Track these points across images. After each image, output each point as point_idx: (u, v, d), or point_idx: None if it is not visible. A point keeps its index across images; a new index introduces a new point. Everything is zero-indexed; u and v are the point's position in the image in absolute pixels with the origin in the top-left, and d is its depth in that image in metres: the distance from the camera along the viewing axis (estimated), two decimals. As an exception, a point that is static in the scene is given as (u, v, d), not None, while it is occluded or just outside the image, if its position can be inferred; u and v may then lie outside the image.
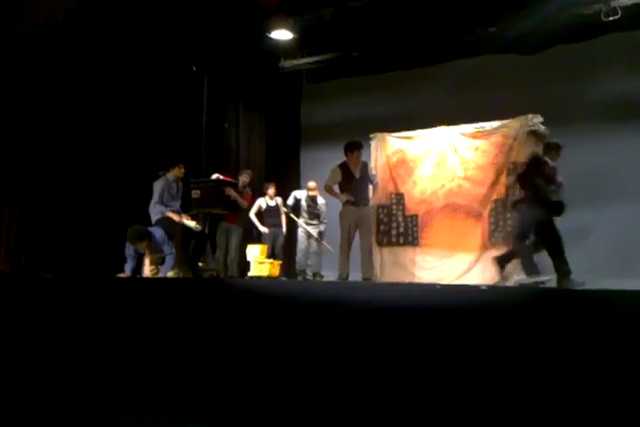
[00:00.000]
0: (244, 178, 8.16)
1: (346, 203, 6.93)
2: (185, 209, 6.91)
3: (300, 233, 8.50)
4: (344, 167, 7.10)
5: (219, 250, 7.92)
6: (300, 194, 8.63)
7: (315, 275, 8.35)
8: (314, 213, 8.45)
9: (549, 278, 5.96)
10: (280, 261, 8.60)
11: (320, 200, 8.48)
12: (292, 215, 8.50)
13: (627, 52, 7.59)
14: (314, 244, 8.41)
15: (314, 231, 8.40)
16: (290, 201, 8.59)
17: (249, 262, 8.10)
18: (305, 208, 8.49)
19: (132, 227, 6.16)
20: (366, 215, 7.19)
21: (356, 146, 7.09)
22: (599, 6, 7.13)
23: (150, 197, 6.62)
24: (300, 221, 8.45)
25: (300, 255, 8.47)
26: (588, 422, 1.41)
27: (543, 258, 6.15)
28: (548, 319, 2.27)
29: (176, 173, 6.76)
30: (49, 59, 6.88)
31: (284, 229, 8.54)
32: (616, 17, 7.05)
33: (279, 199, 8.52)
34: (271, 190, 8.47)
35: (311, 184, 8.47)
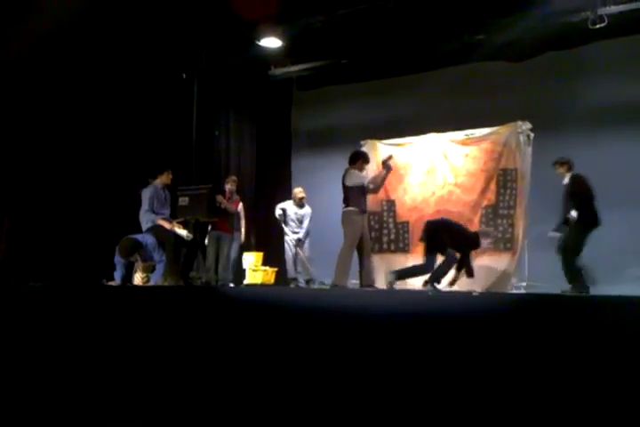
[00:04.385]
0: (230, 186, 8.07)
1: (354, 211, 6.59)
2: (171, 216, 6.87)
3: (287, 241, 8.50)
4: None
5: (209, 259, 7.86)
6: (285, 205, 8.60)
7: (308, 282, 8.32)
8: (299, 220, 8.45)
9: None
10: (275, 269, 8.60)
11: (306, 207, 8.48)
12: (284, 226, 8.48)
13: (614, 59, 7.66)
14: (300, 252, 8.41)
15: (294, 237, 8.39)
16: (277, 212, 8.55)
17: (244, 270, 8.10)
18: (291, 216, 8.47)
19: (123, 240, 6.10)
20: (366, 223, 7.11)
21: (367, 157, 7.01)
22: (586, 14, 7.20)
23: (139, 204, 6.59)
24: (286, 230, 8.45)
25: (289, 263, 8.47)
26: (582, 424, 1.41)
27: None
28: (539, 325, 2.27)
29: (164, 179, 6.71)
30: (36, 67, 6.84)
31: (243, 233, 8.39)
32: (603, 25, 7.11)
33: (240, 204, 8.40)
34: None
35: (297, 190, 8.49)
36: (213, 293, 5.39)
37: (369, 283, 6.72)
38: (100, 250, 6.73)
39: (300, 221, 8.46)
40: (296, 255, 8.43)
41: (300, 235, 8.39)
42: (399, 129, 8.23)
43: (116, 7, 7.03)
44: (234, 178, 8.26)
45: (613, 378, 1.60)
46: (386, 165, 6.89)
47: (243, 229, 8.29)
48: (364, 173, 7.05)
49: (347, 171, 6.74)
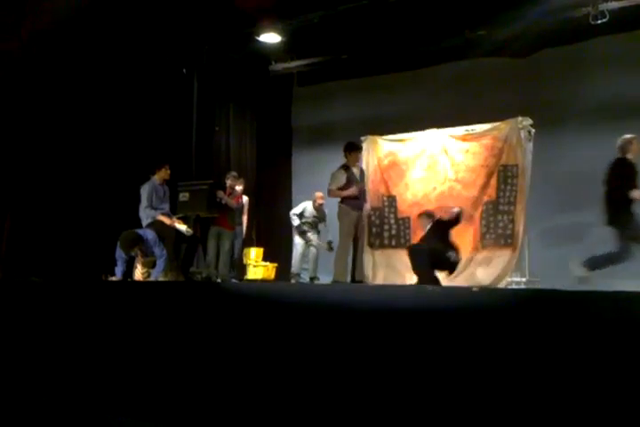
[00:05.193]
0: (230, 181, 8.02)
1: (348, 206, 6.66)
2: (172, 212, 6.86)
3: (298, 239, 8.47)
4: (347, 170, 6.77)
5: (209, 254, 7.83)
6: (306, 204, 8.58)
7: (312, 279, 8.32)
8: (316, 223, 8.45)
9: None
10: (275, 265, 8.59)
11: (324, 213, 8.46)
12: (304, 227, 8.48)
13: (616, 55, 7.64)
14: (313, 249, 8.40)
15: (314, 238, 8.38)
16: (294, 215, 8.53)
17: (245, 266, 8.11)
18: (309, 218, 8.45)
19: (124, 233, 6.12)
20: (362, 218, 7.12)
21: (355, 146, 6.91)
22: (588, 9, 7.19)
23: (139, 200, 6.59)
24: (308, 233, 8.45)
25: (297, 259, 8.45)
26: (580, 421, 1.41)
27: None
28: (539, 321, 2.28)
29: (162, 175, 6.71)
30: (35, 63, 6.84)
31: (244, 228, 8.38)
32: (604, 20, 7.10)
33: (245, 198, 8.39)
34: (238, 188, 8.20)
35: (318, 195, 8.38)
36: (214, 288, 5.39)
37: (360, 279, 6.76)
38: (101, 245, 6.75)
39: (316, 225, 8.46)
40: (306, 253, 8.42)
41: (330, 237, 8.27)
42: (400, 124, 8.22)
43: (117, 3, 7.02)
44: (234, 174, 8.20)
45: (613, 374, 1.60)
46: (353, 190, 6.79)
47: (244, 224, 8.29)
48: (359, 164, 7.05)
49: (335, 171, 6.76)
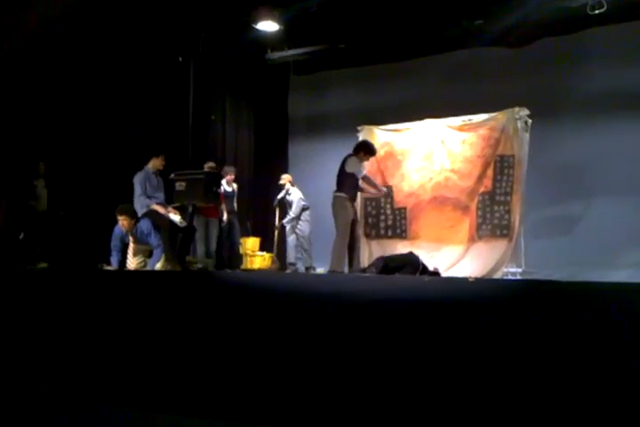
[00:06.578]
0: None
1: (345, 197, 6.58)
2: (168, 202, 6.84)
3: (287, 227, 8.54)
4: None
5: (199, 243, 7.76)
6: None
7: (307, 269, 8.36)
8: (289, 205, 8.62)
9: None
10: (272, 255, 8.62)
11: (292, 193, 8.50)
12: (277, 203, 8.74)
13: (613, 45, 7.63)
14: (301, 239, 8.44)
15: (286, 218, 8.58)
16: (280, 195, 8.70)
17: (242, 255, 8.16)
18: (285, 201, 8.69)
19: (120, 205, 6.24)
20: (356, 209, 7.15)
21: (375, 153, 6.99)
22: (586, -1, 7.17)
23: (133, 190, 6.58)
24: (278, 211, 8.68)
25: (290, 249, 8.53)
26: (577, 414, 1.43)
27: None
28: (535, 311, 2.29)
29: (157, 164, 6.67)
30: (33, 51, 6.80)
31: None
32: (602, 10, 7.07)
33: (235, 185, 8.32)
34: (230, 176, 8.11)
35: (283, 176, 8.68)
36: (211, 278, 5.40)
37: (358, 269, 6.76)
38: (96, 235, 6.74)
39: (290, 206, 8.61)
40: (295, 242, 8.51)
41: (285, 220, 8.56)
42: (397, 114, 8.20)
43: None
44: (210, 164, 8.00)
45: (609, 365, 1.61)
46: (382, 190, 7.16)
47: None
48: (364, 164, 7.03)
49: (349, 157, 6.69)
